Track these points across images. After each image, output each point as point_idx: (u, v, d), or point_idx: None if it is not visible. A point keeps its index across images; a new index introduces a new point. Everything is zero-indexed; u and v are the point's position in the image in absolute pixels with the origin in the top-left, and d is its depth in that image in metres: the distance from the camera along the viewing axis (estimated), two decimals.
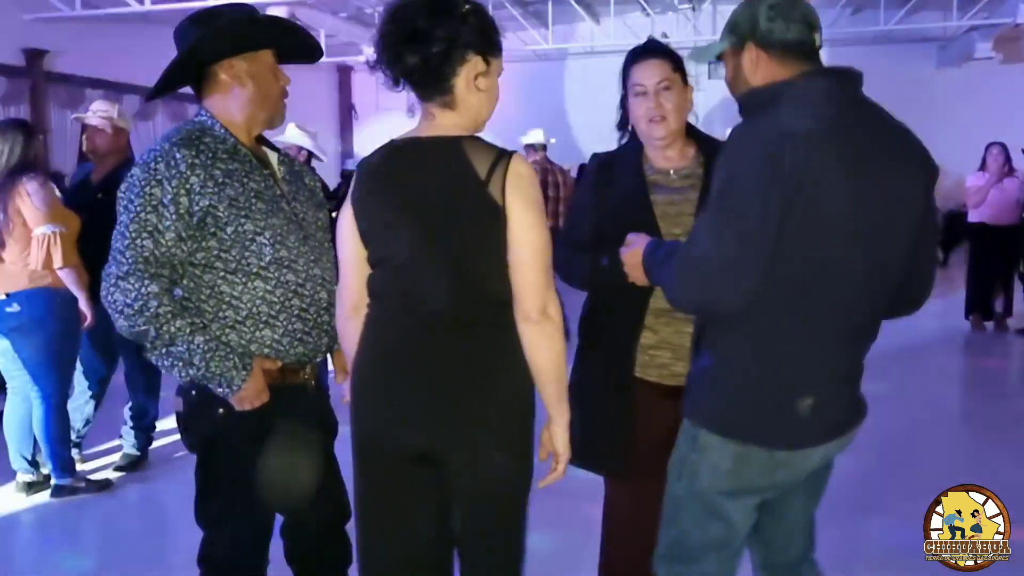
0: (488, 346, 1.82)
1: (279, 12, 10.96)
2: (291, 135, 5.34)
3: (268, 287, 2.06)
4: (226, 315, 2.05)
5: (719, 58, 1.95)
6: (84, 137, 4.38)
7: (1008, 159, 7.87)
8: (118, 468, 4.37)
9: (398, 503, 1.89)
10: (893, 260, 1.79)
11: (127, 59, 9.90)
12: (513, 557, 1.92)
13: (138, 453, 4.44)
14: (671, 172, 2.29)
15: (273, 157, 2.21)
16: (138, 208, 1.97)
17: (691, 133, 2.35)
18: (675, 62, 2.29)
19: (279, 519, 2.28)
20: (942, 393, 6.15)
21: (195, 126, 2.10)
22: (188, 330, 1.98)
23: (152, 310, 1.94)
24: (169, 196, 1.96)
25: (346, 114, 16.44)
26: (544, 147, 7.64)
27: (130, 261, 1.95)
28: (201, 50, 2.09)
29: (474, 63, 1.80)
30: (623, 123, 2.37)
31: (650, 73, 2.25)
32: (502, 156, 1.78)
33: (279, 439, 2.11)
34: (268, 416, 2.09)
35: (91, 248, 3.65)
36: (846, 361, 1.82)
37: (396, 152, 1.85)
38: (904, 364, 6.79)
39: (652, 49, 2.31)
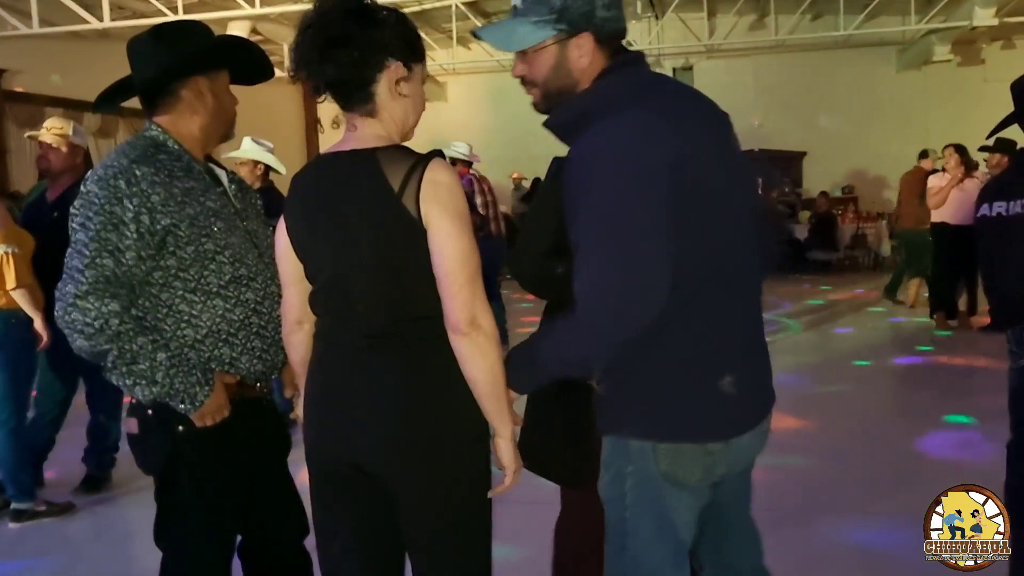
0: (419, 360, 1.76)
1: (242, 26, 10.92)
2: (247, 149, 5.28)
3: (228, 305, 2.04)
4: (185, 334, 2.02)
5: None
6: (39, 155, 4.31)
7: (966, 160, 7.98)
8: (80, 490, 4.30)
9: (350, 514, 1.86)
10: (752, 226, 1.76)
11: (87, 76, 9.77)
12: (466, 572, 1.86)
13: (100, 474, 4.37)
14: None
15: (223, 175, 2.20)
16: (98, 226, 1.92)
17: None
18: None
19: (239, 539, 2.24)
20: (906, 392, 6.20)
21: (148, 141, 2.06)
22: (150, 347, 1.95)
23: (113, 329, 1.91)
24: (131, 214, 1.92)
25: (312, 127, 16.37)
26: (469, 164, 7.28)
27: (90, 280, 1.90)
28: (173, 68, 2.08)
29: (395, 68, 1.77)
30: None
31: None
32: (418, 164, 1.72)
33: (239, 453, 2.09)
34: (227, 430, 2.06)
35: (46, 267, 3.58)
36: (753, 337, 1.78)
37: (319, 167, 1.83)
38: (869, 363, 6.87)
39: None
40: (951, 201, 7.88)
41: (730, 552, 1.96)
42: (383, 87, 1.76)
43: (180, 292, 2.00)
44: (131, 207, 1.92)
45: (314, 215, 1.79)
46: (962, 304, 8.34)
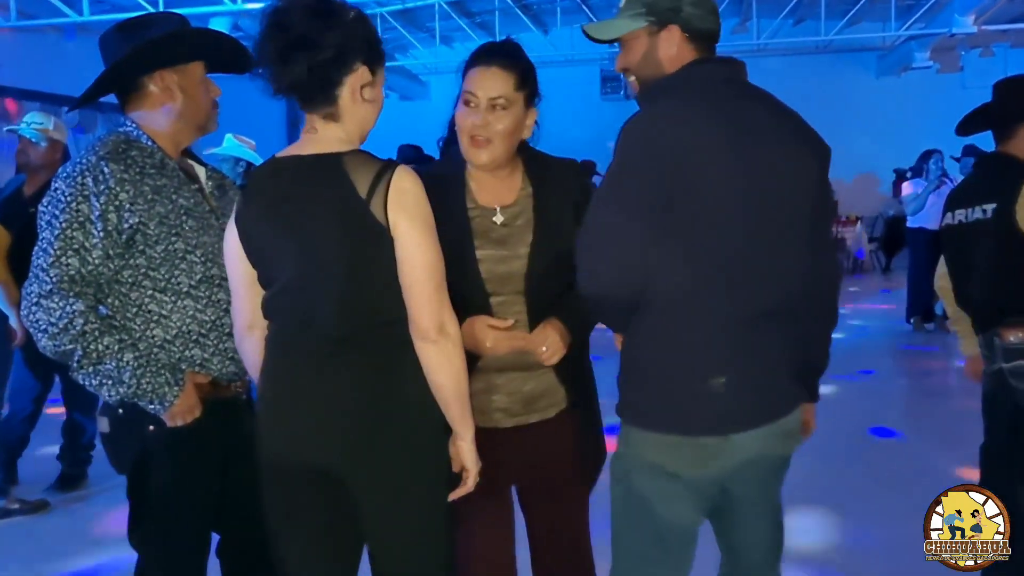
0: (381, 365, 1.77)
1: (223, 21, 10.84)
2: (228, 146, 5.24)
3: (199, 306, 2.01)
4: (154, 334, 1.99)
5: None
6: (18, 149, 4.26)
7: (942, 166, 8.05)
8: (55, 488, 4.26)
9: (308, 518, 1.84)
10: (792, 242, 1.78)
11: (65, 71, 9.68)
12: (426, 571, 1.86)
13: (75, 472, 4.34)
14: (497, 211, 2.01)
15: (201, 172, 2.17)
16: (63, 224, 1.89)
17: (522, 154, 2.06)
18: (523, 76, 1.97)
19: (215, 538, 2.22)
20: (884, 395, 6.25)
21: (120, 136, 2.03)
22: (116, 347, 1.92)
23: (78, 328, 1.88)
24: (97, 212, 1.89)
25: (293, 126, 16.28)
26: None
27: (54, 280, 1.87)
28: (132, 62, 2.04)
29: (360, 73, 1.76)
30: (450, 136, 2.05)
31: (487, 84, 1.94)
32: (384, 170, 1.71)
33: (212, 454, 2.07)
34: (200, 430, 2.04)
35: (24, 263, 3.53)
36: (757, 343, 1.78)
37: (277, 171, 1.79)
38: (846, 366, 6.91)
39: (498, 54, 1.98)
40: (930, 206, 7.94)
41: (740, 547, 1.98)
42: (347, 91, 1.75)
43: (150, 291, 1.97)
44: (98, 205, 1.89)
45: (273, 219, 1.76)
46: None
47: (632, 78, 1.89)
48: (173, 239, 1.97)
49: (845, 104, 14.71)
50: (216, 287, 2.03)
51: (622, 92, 14.41)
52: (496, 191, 2.03)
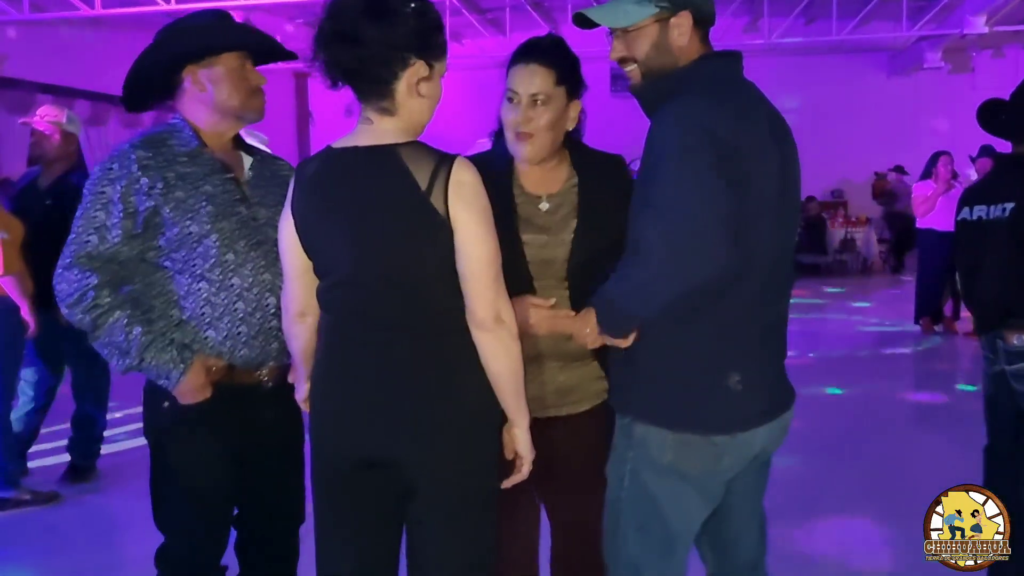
0: (439, 353, 1.79)
1: (236, 16, 10.86)
2: None
3: (212, 289, 2.06)
4: (172, 313, 2.07)
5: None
6: (32, 142, 4.29)
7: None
8: (65, 479, 4.28)
9: (354, 513, 1.86)
10: (791, 243, 1.82)
11: (78, 63, 9.73)
12: (472, 564, 1.86)
13: (86, 464, 4.35)
14: (543, 199, 2.08)
15: (248, 161, 2.20)
16: (88, 204, 2.04)
17: (568, 145, 2.12)
18: (562, 71, 2.02)
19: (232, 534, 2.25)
20: (892, 395, 6.24)
21: (167, 128, 2.14)
22: (126, 321, 2.02)
23: (90, 300, 2.01)
24: (118, 195, 2.02)
25: (304, 120, 16.31)
26: None
27: (73, 254, 2.03)
28: (150, 63, 2.13)
29: (416, 68, 1.74)
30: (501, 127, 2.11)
31: (526, 81, 2.01)
32: (443, 162, 1.72)
33: (226, 438, 2.11)
34: (212, 413, 2.08)
35: (40, 254, 3.57)
36: (769, 339, 1.81)
37: (333, 161, 1.79)
38: (854, 367, 6.91)
39: (537, 51, 2.04)
40: (939, 208, 7.92)
41: (728, 545, 1.98)
42: (403, 85, 1.74)
43: (170, 273, 2.06)
44: (119, 188, 2.02)
45: (329, 210, 1.77)
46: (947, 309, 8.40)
47: (632, 67, 1.83)
48: (187, 223, 2.03)
49: (856, 104, 14.65)
50: (231, 272, 2.07)
51: None
52: (543, 180, 2.09)
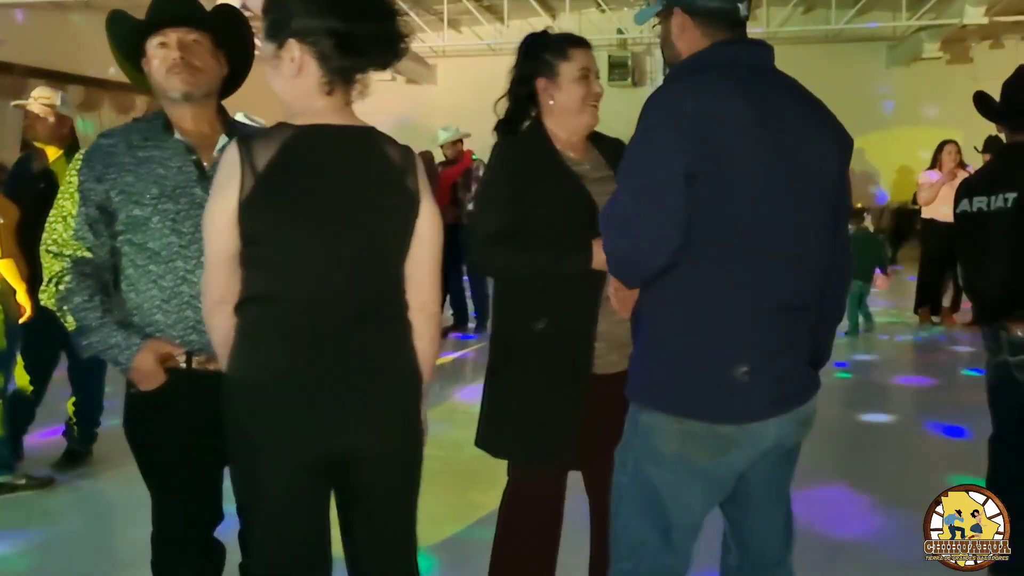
0: (401, 337, 1.83)
1: (232, 2, 10.79)
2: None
3: (159, 271, 2.06)
4: (129, 297, 2.09)
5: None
6: (24, 125, 4.25)
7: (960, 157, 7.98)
8: (61, 464, 4.27)
9: (301, 514, 1.79)
10: (815, 231, 1.79)
11: (71, 48, 9.65)
12: (412, 546, 1.94)
13: (82, 449, 4.34)
14: (584, 164, 2.37)
15: (222, 140, 2.15)
16: (59, 195, 2.12)
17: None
18: None
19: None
20: (887, 386, 6.25)
21: (151, 114, 2.18)
22: (84, 305, 2.05)
23: (54, 285, 2.08)
24: (78, 184, 2.08)
25: None
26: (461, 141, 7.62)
27: (46, 242, 2.10)
28: (119, 40, 2.15)
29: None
30: (518, 114, 2.40)
31: (593, 61, 2.39)
32: (404, 146, 1.80)
33: (188, 426, 2.05)
34: (174, 400, 2.05)
35: (33, 238, 3.52)
36: (778, 332, 1.77)
37: (302, 140, 1.70)
38: (851, 356, 6.91)
39: (584, 40, 2.41)
40: (942, 198, 7.89)
41: (751, 538, 1.96)
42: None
43: (130, 256, 2.08)
44: (82, 177, 2.08)
45: (303, 191, 1.69)
46: (946, 300, 8.39)
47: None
48: (131, 207, 2.05)
49: (854, 94, 14.61)
50: (175, 255, 2.05)
51: (629, 78, 14.37)
52: (577, 149, 2.39)
